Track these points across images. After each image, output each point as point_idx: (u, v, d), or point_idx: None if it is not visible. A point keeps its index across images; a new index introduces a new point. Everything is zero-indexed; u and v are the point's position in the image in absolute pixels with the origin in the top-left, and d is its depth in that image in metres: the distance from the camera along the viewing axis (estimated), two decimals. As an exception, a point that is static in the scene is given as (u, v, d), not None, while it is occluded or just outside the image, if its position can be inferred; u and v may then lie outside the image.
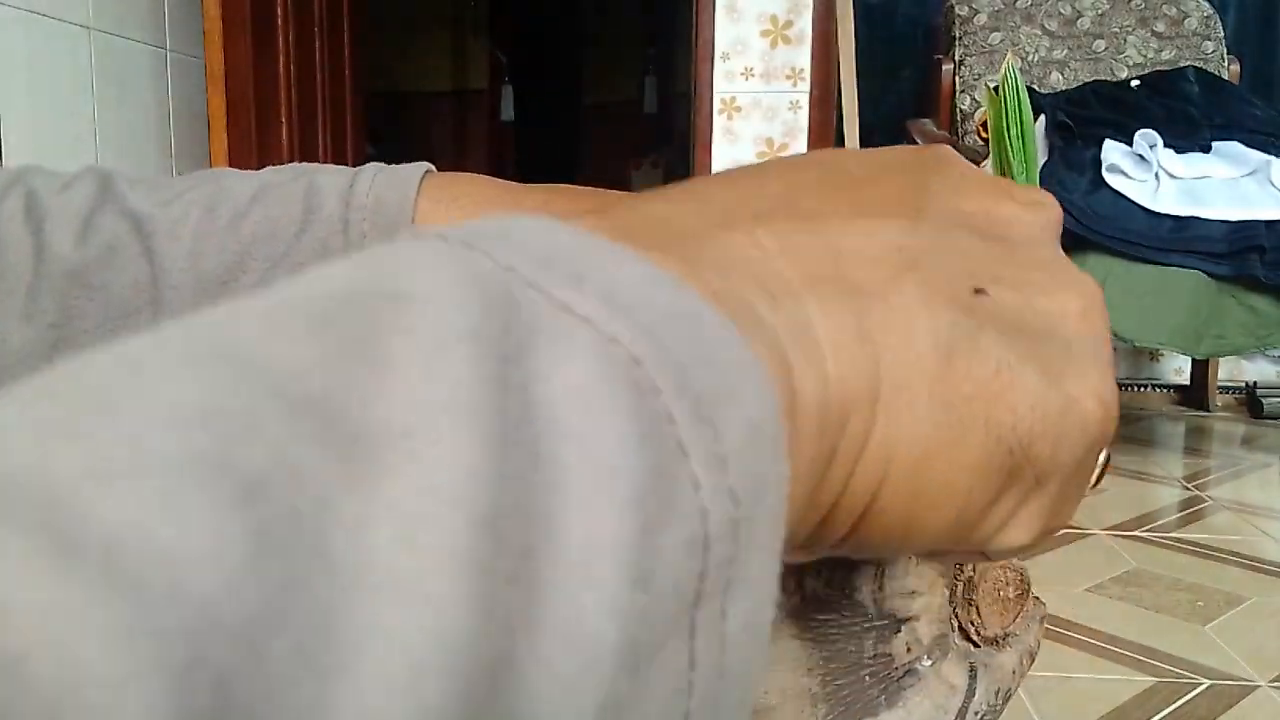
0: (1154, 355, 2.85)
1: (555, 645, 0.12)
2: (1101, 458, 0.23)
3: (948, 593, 0.34)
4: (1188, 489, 1.98)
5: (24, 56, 1.75)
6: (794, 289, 0.18)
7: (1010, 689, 0.36)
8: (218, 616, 0.10)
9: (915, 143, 1.58)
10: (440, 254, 0.14)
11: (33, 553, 0.10)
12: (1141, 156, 2.07)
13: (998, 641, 0.35)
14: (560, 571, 0.12)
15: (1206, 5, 2.62)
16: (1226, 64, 2.59)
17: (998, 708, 0.35)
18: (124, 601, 0.10)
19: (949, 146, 0.24)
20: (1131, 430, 2.46)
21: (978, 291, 0.20)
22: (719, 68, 2.60)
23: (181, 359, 0.12)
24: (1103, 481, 0.25)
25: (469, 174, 0.44)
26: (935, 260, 0.20)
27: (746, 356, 0.15)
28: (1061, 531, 0.23)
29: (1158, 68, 2.52)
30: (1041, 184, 0.36)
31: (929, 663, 0.34)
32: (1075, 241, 1.92)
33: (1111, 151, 2.09)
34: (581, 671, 0.12)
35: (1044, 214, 0.23)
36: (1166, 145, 2.08)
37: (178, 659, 0.10)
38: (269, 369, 0.12)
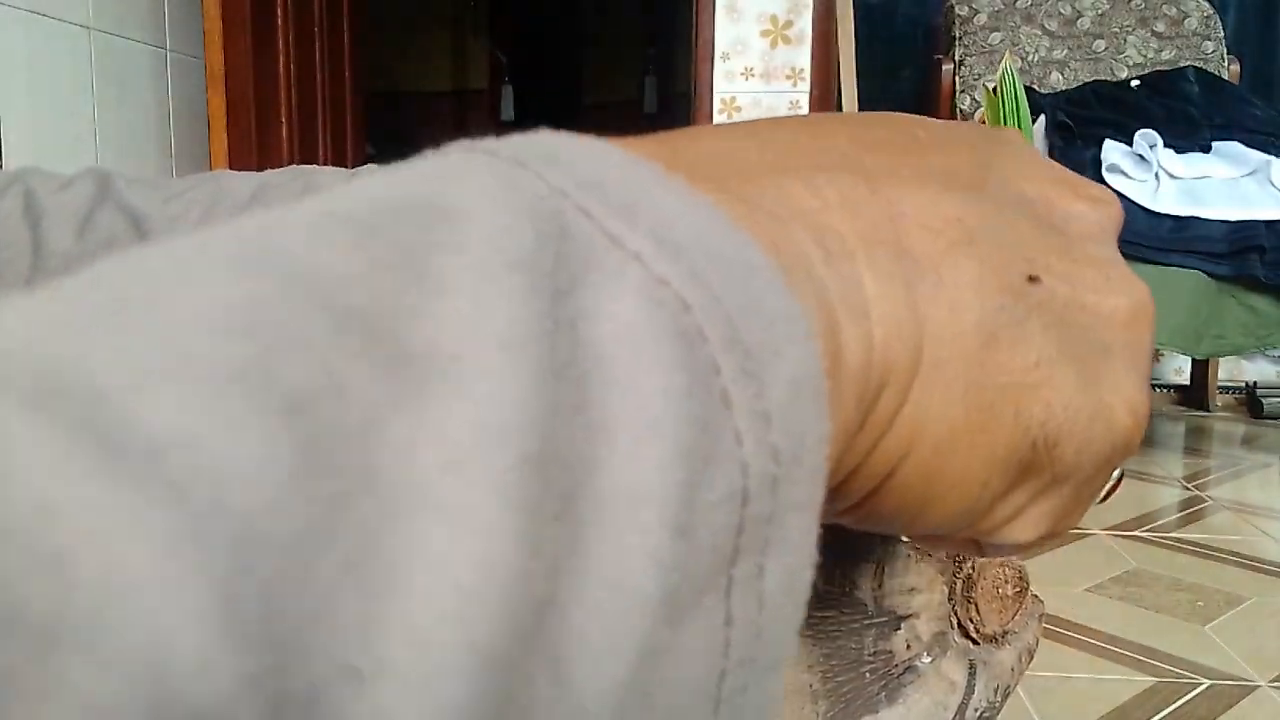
0: (1154, 355, 2.85)
1: (598, 590, 0.12)
2: (1115, 474, 0.23)
3: (947, 590, 0.34)
4: (1188, 489, 1.98)
5: (24, 56, 1.75)
6: (848, 247, 0.18)
7: (1009, 686, 0.36)
8: (264, 529, 0.10)
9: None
10: (491, 171, 0.14)
11: (76, 452, 0.09)
12: (1141, 156, 2.07)
13: (997, 639, 0.35)
14: (604, 517, 0.12)
15: (1206, 5, 2.62)
16: (1226, 64, 2.59)
17: (997, 705, 0.35)
18: (169, 509, 0.09)
19: (1018, 132, 0.23)
20: (1131, 430, 2.46)
21: (1031, 279, 0.20)
22: (719, 68, 2.60)
23: (226, 263, 0.12)
24: (1111, 497, 0.24)
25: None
26: (992, 239, 0.19)
27: (795, 309, 0.15)
28: (1062, 535, 0.23)
29: (1158, 68, 2.52)
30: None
31: (929, 660, 0.34)
32: (1075, 241, 1.92)
33: (1111, 151, 2.09)
34: (623, 617, 0.12)
35: (1105, 211, 0.22)
36: (1166, 145, 2.08)
37: (224, 568, 0.09)
38: (315, 278, 0.12)
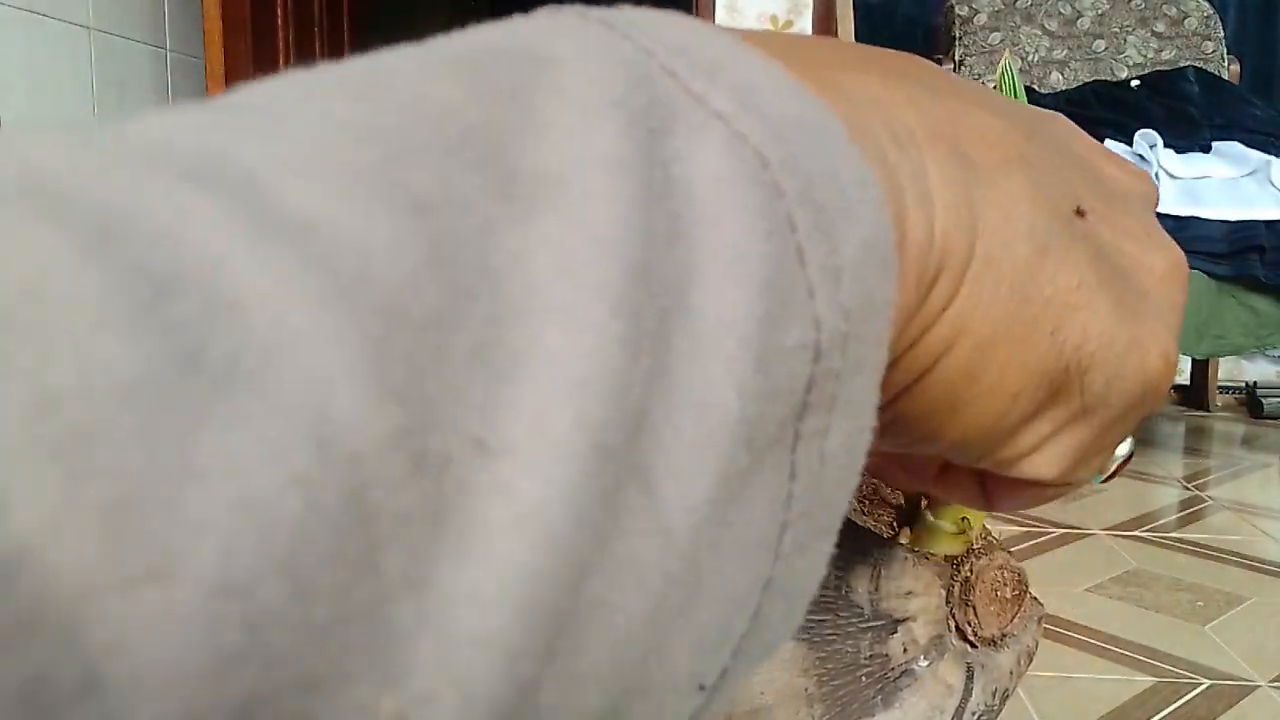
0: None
1: (684, 408, 0.13)
2: (1125, 450, 0.23)
3: (944, 593, 0.34)
4: (1188, 489, 1.98)
5: (24, 56, 1.75)
6: (916, 139, 0.18)
7: (1008, 689, 0.36)
8: (404, 303, 0.11)
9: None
10: (583, 29, 0.15)
11: (236, 220, 0.10)
12: (1141, 156, 2.07)
13: (995, 642, 0.35)
14: (692, 343, 0.13)
15: (1206, 5, 2.61)
16: (1226, 64, 2.59)
17: (995, 708, 0.35)
18: (323, 274, 0.10)
19: None
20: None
21: (1078, 211, 0.20)
22: (719, 68, 2.59)
23: (344, 88, 0.13)
24: (1117, 476, 0.24)
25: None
26: (1043, 168, 0.20)
27: (868, 177, 0.15)
28: (1081, 483, 0.23)
29: (1158, 68, 2.52)
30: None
31: (925, 663, 0.33)
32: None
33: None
34: (707, 438, 0.13)
35: (1144, 185, 0.23)
36: (1166, 145, 2.08)
37: (374, 330, 0.10)
38: (428, 103, 0.13)
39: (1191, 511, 1.82)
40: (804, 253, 0.14)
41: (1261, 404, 2.70)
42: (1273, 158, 2.06)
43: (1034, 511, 1.71)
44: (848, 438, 0.15)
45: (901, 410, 0.20)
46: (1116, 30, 2.62)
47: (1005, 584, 0.36)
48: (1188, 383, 2.85)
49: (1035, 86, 2.51)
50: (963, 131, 0.19)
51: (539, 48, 0.14)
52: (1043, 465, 0.21)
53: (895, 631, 0.33)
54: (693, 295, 0.13)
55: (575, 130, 0.13)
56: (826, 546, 0.16)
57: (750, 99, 0.14)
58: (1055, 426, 0.21)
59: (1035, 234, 0.19)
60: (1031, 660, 0.38)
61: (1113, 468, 0.23)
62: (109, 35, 1.99)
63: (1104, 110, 2.23)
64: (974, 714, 0.34)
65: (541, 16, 0.15)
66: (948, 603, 0.35)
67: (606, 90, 0.13)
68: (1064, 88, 2.52)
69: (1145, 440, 2.41)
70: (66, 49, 1.87)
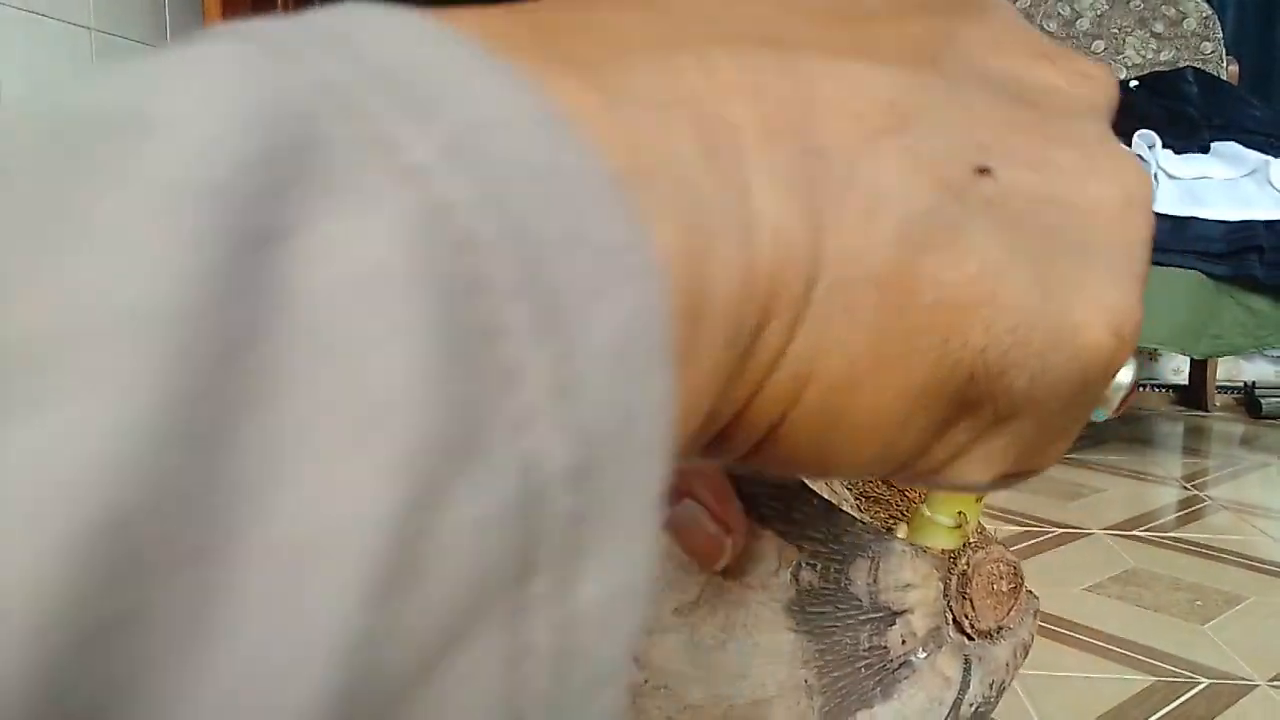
0: (1152, 355, 2.86)
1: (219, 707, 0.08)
2: (1128, 379, 0.19)
3: (942, 586, 0.35)
4: (1186, 489, 1.98)
5: (24, 57, 1.75)
6: (739, 142, 0.14)
7: (1004, 681, 0.36)
8: None
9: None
10: (232, 64, 0.11)
11: None
12: (1140, 157, 2.07)
13: (992, 634, 0.36)
14: (247, 589, 0.08)
15: (1205, 6, 2.62)
16: (1225, 64, 2.59)
17: (992, 700, 0.35)
18: None
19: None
20: (1130, 430, 2.46)
21: (981, 170, 0.16)
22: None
23: None
24: (1124, 408, 0.21)
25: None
26: (934, 124, 0.16)
27: (635, 237, 0.12)
28: (1042, 472, 0.19)
29: (1156, 68, 2.52)
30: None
31: (924, 655, 0.34)
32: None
33: (1110, 152, 2.09)
34: None
35: (1089, 88, 0.18)
36: (1165, 146, 2.09)
37: None
38: None
39: (1190, 511, 1.83)
40: (517, 369, 0.10)
41: (1260, 404, 2.71)
42: (1271, 158, 2.06)
43: (1033, 511, 1.72)
44: (615, 579, 0.12)
45: (766, 458, 0.17)
46: (1115, 31, 2.62)
47: (1002, 577, 0.36)
48: (1186, 383, 2.86)
49: (1034, 87, 2.51)
50: (816, 109, 0.15)
51: (144, 106, 0.10)
52: (970, 472, 0.18)
53: (894, 623, 0.34)
54: (270, 502, 0.09)
55: (113, 253, 0.09)
56: (609, 695, 0.12)
57: (474, 144, 0.11)
58: (973, 434, 0.18)
59: (909, 229, 0.15)
60: (1028, 653, 0.38)
61: (1117, 401, 0.20)
62: (110, 36, 1.99)
63: (1103, 111, 2.23)
64: (971, 705, 0.35)
65: (202, 44, 0.11)
66: (945, 595, 0.35)
67: (203, 172, 0.09)
68: (1063, 88, 2.52)
69: (1144, 440, 2.42)
70: (67, 49, 1.87)
